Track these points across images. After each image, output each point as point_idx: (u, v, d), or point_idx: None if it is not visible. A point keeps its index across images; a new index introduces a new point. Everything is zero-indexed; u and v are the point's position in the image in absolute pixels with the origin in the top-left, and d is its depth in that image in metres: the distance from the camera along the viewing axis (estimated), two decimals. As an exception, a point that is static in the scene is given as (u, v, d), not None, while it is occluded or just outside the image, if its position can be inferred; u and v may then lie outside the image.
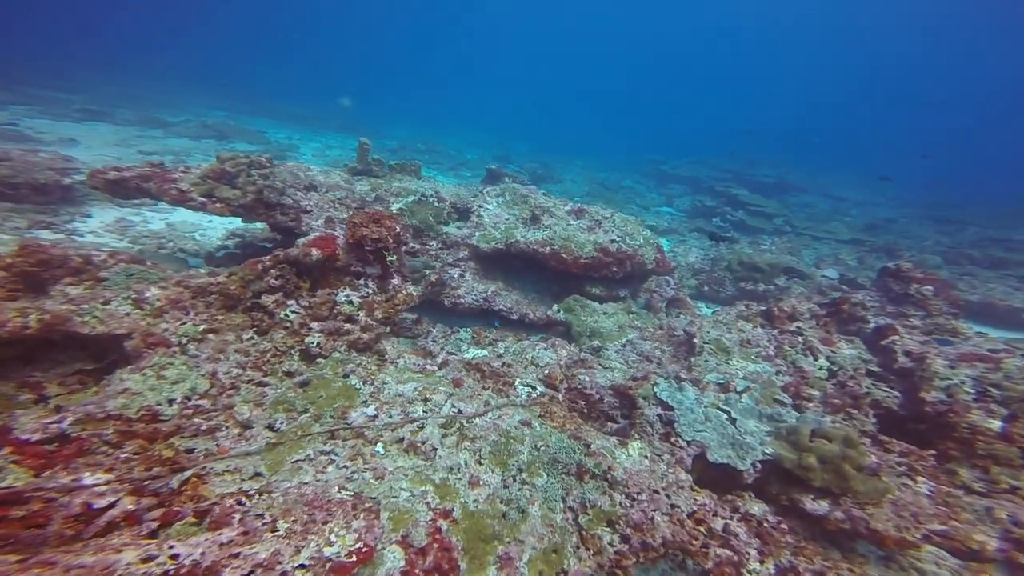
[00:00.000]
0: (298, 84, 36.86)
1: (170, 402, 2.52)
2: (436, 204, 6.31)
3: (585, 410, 4.20)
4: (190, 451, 2.33)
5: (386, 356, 3.51)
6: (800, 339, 4.72)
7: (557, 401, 3.74)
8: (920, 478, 3.61)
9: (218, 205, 4.60)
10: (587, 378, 4.41)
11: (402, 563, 1.97)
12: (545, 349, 4.58)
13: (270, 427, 2.57)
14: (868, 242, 14.63)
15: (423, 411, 2.93)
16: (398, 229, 3.67)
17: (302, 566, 1.61)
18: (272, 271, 3.33)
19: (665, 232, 13.22)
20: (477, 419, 3.05)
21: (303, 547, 1.68)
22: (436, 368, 3.62)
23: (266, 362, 2.98)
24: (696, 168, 23.52)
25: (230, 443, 2.43)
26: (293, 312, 3.24)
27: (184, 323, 2.93)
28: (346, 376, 3.04)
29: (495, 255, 6.29)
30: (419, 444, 2.64)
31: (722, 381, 3.98)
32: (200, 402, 2.61)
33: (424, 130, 26.43)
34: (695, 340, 4.86)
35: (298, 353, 3.17)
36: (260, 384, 2.84)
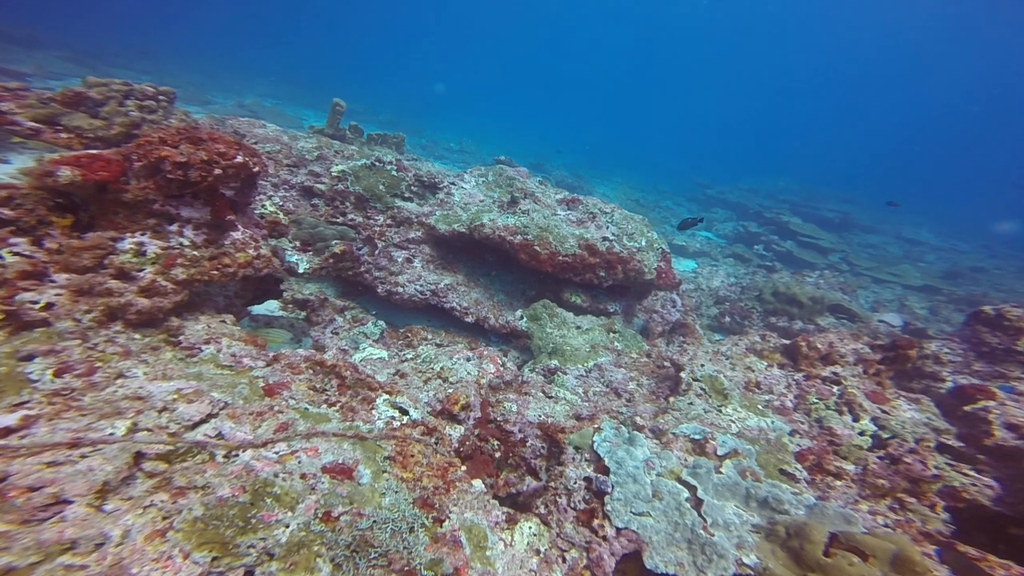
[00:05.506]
0: (363, 81, 37.62)
1: None
2: (394, 173, 5.24)
3: (498, 454, 2.90)
4: None
5: (180, 338, 2.38)
6: (835, 389, 3.23)
7: (438, 438, 2.48)
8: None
9: (63, 135, 3.65)
10: (515, 408, 3.12)
11: None
12: (467, 360, 3.33)
13: None
14: (946, 291, 12.42)
15: (129, 427, 1.76)
16: (240, 159, 2.57)
17: None
18: (18, 200, 2.29)
19: (695, 255, 11.63)
20: (247, 452, 1.85)
21: None
22: (261, 364, 2.46)
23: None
24: (748, 196, 21.62)
25: None
26: (14, 254, 2.17)
27: None
28: (28, 358, 1.91)
29: (458, 241, 5.11)
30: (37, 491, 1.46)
31: (698, 437, 2.58)
32: None
33: (466, 135, 25.81)
34: (682, 374, 3.47)
35: None
36: None
